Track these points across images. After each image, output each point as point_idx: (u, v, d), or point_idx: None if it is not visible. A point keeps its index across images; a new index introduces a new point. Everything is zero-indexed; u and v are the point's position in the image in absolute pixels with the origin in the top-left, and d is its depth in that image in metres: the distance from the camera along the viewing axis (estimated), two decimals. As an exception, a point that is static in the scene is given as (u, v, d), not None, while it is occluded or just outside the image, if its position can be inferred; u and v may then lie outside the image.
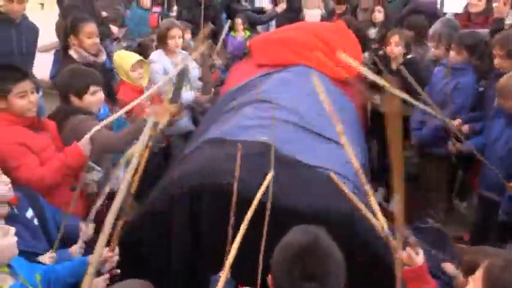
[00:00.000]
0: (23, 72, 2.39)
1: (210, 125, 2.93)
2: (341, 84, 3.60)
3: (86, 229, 2.23)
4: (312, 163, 2.37)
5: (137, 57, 3.35)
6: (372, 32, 5.40)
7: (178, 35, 3.66)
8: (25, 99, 2.33)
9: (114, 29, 5.14)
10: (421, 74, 3.66)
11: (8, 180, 2.07)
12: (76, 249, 2.20)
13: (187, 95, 3.72)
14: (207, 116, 3.42)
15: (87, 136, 2.44)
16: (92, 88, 2.67)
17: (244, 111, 2.77)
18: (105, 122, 2.56)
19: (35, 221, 2.22)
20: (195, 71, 3.92)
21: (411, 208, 3.75)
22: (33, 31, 3.88)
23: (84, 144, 2.43)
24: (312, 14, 6.84)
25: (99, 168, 2.56)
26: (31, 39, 3.82)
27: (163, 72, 3.64)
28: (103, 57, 3.29)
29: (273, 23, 7.27)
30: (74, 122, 2.62)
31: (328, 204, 2.02)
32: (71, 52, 3.15)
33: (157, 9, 11.85)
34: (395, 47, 3.75)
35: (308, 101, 2.95)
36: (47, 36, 5.49)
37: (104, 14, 5.12)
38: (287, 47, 3.75)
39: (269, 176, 2.07)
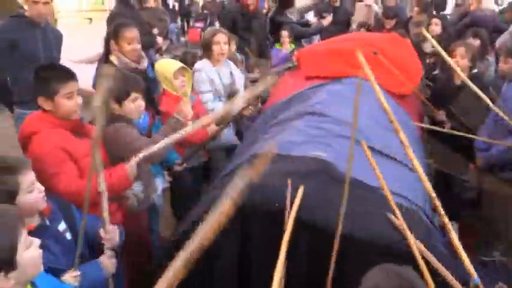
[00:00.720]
0: (69, 73, 2.26)
1: (257, 139, 2.70)
2: (398, 98, 3.31)
3: (108, 234, 2.00)
4: (373, 184, 2.08)
5: (179, 64, 3.19)
6: (427, 46, 5.09)
7: (223, 41, 3.48)
8: (72, 100, 2.21)
9: (158, 39, 5.06)
10: (488, 91, 3.32)
11: (42, 188, 1.90)
12: (105, 260, 1.98)
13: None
14: (252, 129, 3.20)
15: (136, 160, 2.26)
16: (133, 94, 2.50)
17: (295, 125, 2.51)
18: (154, 148, 2.34)
19: (68, 235, 2.03)
20: (240, 79, 3.72)
21: (474, 239, 3.42)
22: (58, 36, 3.83)
23: (131, 167, 2.25)
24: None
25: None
26: (57, 45, 3.76)
27: (209, 81, 3.46)
28: (144, 64, 3.14)
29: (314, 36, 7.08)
30: (113, 130, 2.46)
31: (399, 238, 1.73)
32: (112, 58, 3.02)
33: (199, 24, 11.98)
34: (460, 60, 3.42)
35: (366, 115, 2.67)
36: (94, 49, 5.50)
37: (155, 31, 5.05)
38: (339, 58, 3.48)
39: (300, 190, 1.81)
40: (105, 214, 1.99)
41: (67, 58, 6.65)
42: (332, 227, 1.78)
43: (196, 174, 3.50)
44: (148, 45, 4.92)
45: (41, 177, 2.03)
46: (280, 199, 1.78)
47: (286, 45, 6.04)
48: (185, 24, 12.89)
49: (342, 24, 7.09)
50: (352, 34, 4.56)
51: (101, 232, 2.03)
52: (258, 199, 1.79)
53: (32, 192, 1.82)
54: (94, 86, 3.61)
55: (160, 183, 2.95)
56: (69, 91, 2.18)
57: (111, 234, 2.04)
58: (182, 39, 12.07)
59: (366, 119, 2.64)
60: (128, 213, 2.54)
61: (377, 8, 6.85)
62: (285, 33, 5.94)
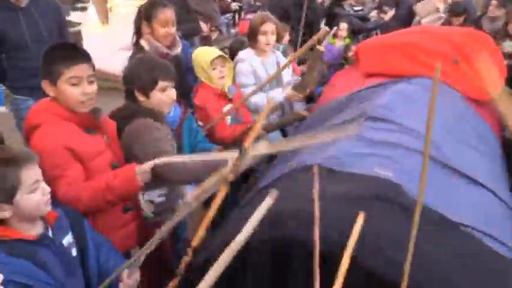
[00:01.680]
0: (81, 53, 1.82)
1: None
2: (477, 103, 2.76)
3: (129, 281, 1.65)
4: (449, 215, 1.59)
5: (217, 52, 2.78)
6: (506, 45, 4.44)
7: (271, 31, 3.05)
8: (79, 87, 1.78)
9: (203, 26, 4.69)
10: None
11: (48, 189, 1.56)
12: None
13: (277, 93, 3.08)
14: (302, 130, 2.75)
15: (150, 163, 1.82)
16: (162, 83, 2.11)
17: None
18: (182, 159, 1.93)
19: (73, 251, 1.67)
20: (287, 73, 3.26)
21: None
22: (51, 10, 3.41)
23: (143, 171, 1.82)
24: (428, 20, 5.97)
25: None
26: (50, 20, 3.37)
27: (252, 73, 3.05)
28: (178, 50, 2.75)
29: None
30: (136, 125, 2.07)
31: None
32: (142, 42, 2.65)
33: (251, 16, 11.61)
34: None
35: (439, 123, 2.17)
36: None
37: (205, 27, 4.67)
38: (407, 54, 2.96)
39: (360, 218, 1.34)
40: (142, 257, 1.60)
41: (120, 47, 6.45)
42: (397, 277, 1.31)
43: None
44: (194, 32, 4.57)
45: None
46: (333, 237, 1.32)
47: (341, 39, 5.54)
48: (236, 16, 12.54)
49: (404, 19, 6.48)
50: (425, 26, 3.93)
51: (124, 274, 1.66)
52: (299, 234, 1.34)
53: (34, 192, 1.50)
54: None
55: (190, 188, 2.56)
56: (74, 75, 1.76)
57: (134, 283, 1.68)
58: (233, 30, 11.74)
59: (438, 128, 2.14)
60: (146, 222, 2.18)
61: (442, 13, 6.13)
62: (343, 26, 5.44)
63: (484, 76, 2.81)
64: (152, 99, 2.13)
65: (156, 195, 2.15)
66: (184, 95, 2.68)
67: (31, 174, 1.49)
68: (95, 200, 1.80)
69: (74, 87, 1.78)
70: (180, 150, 2.52)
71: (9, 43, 3.19)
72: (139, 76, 2.09)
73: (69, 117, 1.82)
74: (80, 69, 1.78)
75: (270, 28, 3.05)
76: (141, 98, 2.13)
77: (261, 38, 3.04)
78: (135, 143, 2.01)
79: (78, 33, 7.31)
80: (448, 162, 1.84)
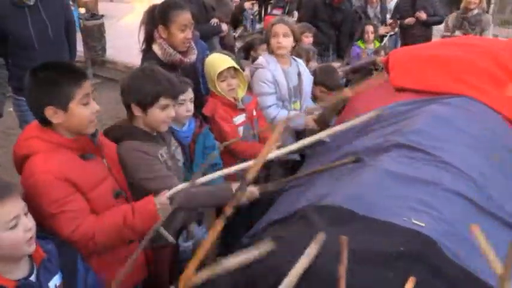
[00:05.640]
0: (80, 69, 1.70)
1: (321, 174, 2.00)
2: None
3: None
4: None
5: (228, 63, 2.53)
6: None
7: (282, 33, 2.78)
8: (88, 107, 1.62)
9: (223, 26, 4.46)
10: None
11: (30, 225, 1.36)
12: None
13: (297, 116, 2.83)
14: (321, 150, 2.50)
15: (167, 195, 1.70)
16: (163, 101, 1.90)
17: (384, 163, 1.76)
18: (188, 185, 1.75)
19: None
20: (308, 82, 3.01)
21: None
22: (59, 9, 3.22)
23: (164, 205, 1.68)
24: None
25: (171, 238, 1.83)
26: (58, 21, 3.18)
27: (273, 82, 2.80)
28: (192, 57, 2.52)
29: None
30: (121, 149, 1.89)
31: None
32: (155, 47, 2.43)
33: (277, 11, 11.33)
34: None
35: (482, 157, 1.89)
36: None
37: (225, 27, 4.44)
38: (445, 69, 2.66)
39: None
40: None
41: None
42: None
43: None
44: (214, 33, 4.35)
45: (38, 215, 1.50)
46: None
47: (369, 43, 5.24)
48: (263, 10, 12.26)
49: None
50: (467, 38, 3.59)
51: None
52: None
53: (13, 229, 1.31)
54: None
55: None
56: (85, 93, 1.61)
57: None
58: (258, 26, 11.48)
59: (481, 161, 1.87)
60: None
61: None
62: (369, 28, 5.13)
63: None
64: (149, 116, 1.93)
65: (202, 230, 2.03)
66: (201, 107, 2.47)
67: (8, 209, 1.31)
68: (111, 238, 1.63)
69: (85, 107, 1.63)
70: (190, 169, 2.33)
71: (14, 39, 3.03)
72: (139, 89, 1.88)
73: (66, 143, 1.63)
74: (87, 86, 1.63)
75: (281, 29, 2.79)
76: (137, 112, 1.92)
77: (272, 41, 2.80)
78: (123, 167, 1.85)
79: (101, 25, 7.20)
80: (491, 208, 1.57)
